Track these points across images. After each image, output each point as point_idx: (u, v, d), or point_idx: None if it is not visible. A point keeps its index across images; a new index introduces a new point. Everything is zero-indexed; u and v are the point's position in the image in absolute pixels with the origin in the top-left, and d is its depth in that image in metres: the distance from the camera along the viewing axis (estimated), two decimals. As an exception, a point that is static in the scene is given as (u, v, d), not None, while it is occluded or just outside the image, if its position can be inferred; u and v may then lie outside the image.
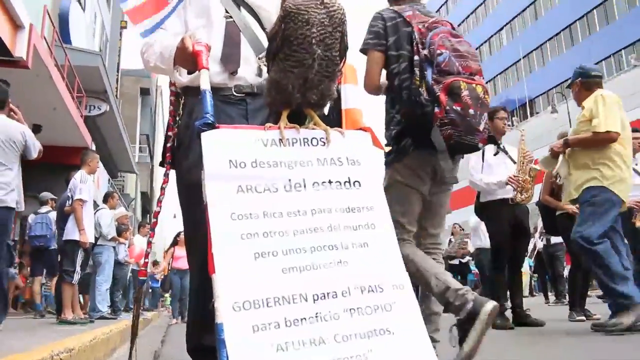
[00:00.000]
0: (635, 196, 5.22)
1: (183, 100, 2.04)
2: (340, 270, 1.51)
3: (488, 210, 5.03)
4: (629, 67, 24.99)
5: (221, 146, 1.56)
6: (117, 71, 22.55)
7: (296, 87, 1.65)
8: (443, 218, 2.65)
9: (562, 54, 32.46)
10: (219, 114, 1.84)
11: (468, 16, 42.90)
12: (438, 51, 2.28)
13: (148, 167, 27.05)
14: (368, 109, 2.77)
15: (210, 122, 1.59)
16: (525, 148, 5.03)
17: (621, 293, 3.56)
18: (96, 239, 6.89)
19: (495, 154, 5.07)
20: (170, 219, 44.52)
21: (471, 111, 2.23)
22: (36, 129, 9.83)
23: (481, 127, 2.28)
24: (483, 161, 5.02)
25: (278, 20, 1.66)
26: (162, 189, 1.95)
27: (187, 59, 1.82)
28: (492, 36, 39.77)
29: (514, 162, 5.02)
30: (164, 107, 37.28)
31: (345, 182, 1.65)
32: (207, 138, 1.56)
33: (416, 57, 2.35)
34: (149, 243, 2.03)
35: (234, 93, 1.98)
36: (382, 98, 2.60)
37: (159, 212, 2.06)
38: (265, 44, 1.98)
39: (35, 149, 4.54)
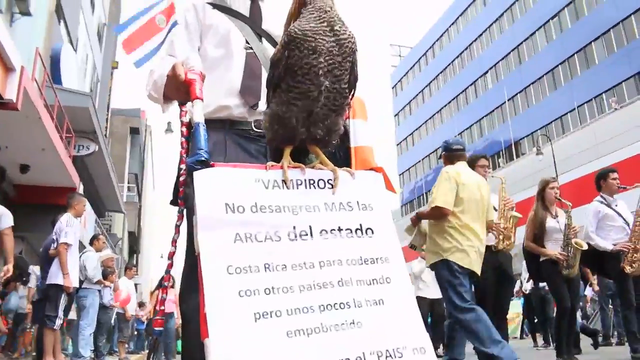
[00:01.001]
0: (621, 239, 5.26)
1: None
2: (354, 333, 1.32)
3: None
4: (610, 110, 25.54)
5: (216, 187, 1.37)
6: (107, 111, 22.71)
7: (300, 120, 1.48)
8: None
9: (546, 97, 33.18)
10: (237, 150, 1.78)
11: (454, 60, 43.87)
12: None
13: (136, 207, 26.86)
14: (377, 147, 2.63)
15: (203, 159, 1.41)
16: (505, 195, 5.06)
17: (492, 355, 3.65)
18: (81, 282, 6.78)
19: None
20: (157, 259, 44.05)
21: None
22: (24, 169, 9.83)
23: None
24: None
25: (281, 47, 1.48)
26: (177, 227, 1.69)
27: (179, 88, 1.65)
28: (477, 79, 40.60)
29: (496, 210, 4.99)
30: (152, 146, 37.39)
31: (356, 229, 1.46)
32: (200, 178, 1.38)
33: None
34: (164, 288, 1.67)
35: (254, 128, 1.86)
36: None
37: (174, 252, 1.79)
38: None
39: (10, 221, 5.12)
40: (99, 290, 7.46)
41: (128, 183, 27.93)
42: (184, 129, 1.82)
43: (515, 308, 14.80)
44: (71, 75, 13.49)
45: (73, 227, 5.76)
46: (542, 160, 23.32)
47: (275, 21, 2.01)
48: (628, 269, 5.02)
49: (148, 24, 1.88)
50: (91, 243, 7.67)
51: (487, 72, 39.42)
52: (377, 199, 1.54)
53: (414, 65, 50.78)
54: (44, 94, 8.53)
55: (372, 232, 1.47)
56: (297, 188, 1.46)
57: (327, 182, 1.49)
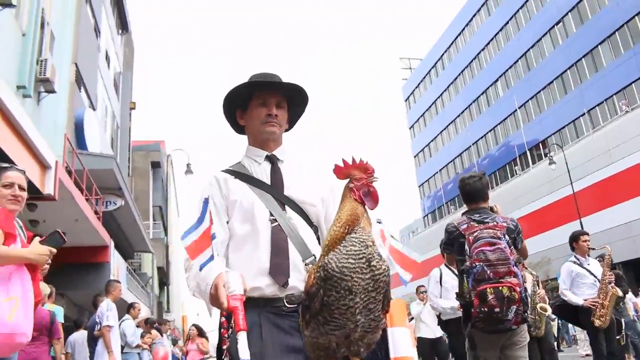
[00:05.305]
0: (592, 294, 5.68)
1: None
2: None
3: (448, 326, 5.71)
4: (622, 113, 25.60)
5: None
6: (129, 151, 23.49)
7: (340, 344, 1.57)
8: None
9: (557, 102, 33.25)
10: (272, 330, 1.78)
11: (463, 70, 44.12)
12: (474, 264, 3.21)
13: (163, 243, 27.70)
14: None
15: None
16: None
17: None
18: (122, 347, 7.49)
19: None
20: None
21: (497, 310, 3.14)
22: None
23: (509, 317, 3.18)
24: (441, 285, 5.71)
25: (316, 281, 1.53)
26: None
27: (222, 308, 1.67)
28: (488, 88, 40.78)
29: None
30: (175, 177, 38.22)
31: None
32: None
33: (462, 267, 3.34)
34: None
35: (286, 304, 1.83)
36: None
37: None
38: (312, 246, 1.91)
39: None
40: (139, 353, 8.15)
41: (153, 219, 28.74)
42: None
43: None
44: (94, 135, 14.26)
45: (113, 310, 6.51)
46: (554, 169, 23.56)
47: (297, 185, 2.01)
48: (597, 323, 5.47)
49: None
50: (128, 311, 8.34)
51: (497, 80, 39.60)
52: None
53: (424, 77, 51.02)
54: (74, 174, 9.26)
55: None
56: None
57: None
